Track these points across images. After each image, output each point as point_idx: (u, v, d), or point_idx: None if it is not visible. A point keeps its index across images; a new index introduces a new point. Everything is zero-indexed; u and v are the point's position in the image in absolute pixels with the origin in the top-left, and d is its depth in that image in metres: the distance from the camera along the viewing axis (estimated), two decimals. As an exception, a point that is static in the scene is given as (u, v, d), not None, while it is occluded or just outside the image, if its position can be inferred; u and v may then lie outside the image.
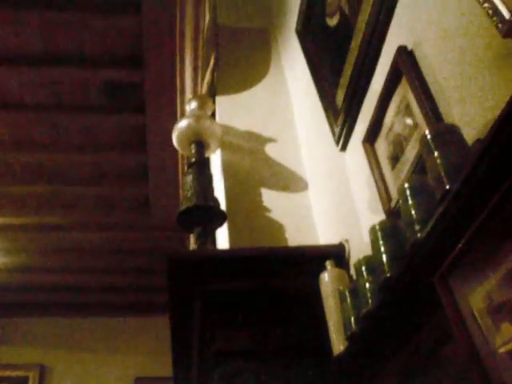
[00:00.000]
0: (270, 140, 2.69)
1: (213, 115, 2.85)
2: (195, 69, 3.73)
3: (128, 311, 7.36)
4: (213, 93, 3.01)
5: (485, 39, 1.21)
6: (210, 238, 2.30)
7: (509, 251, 0.90)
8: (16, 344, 7.18)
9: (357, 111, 2.00)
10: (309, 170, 2.60)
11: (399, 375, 1.42)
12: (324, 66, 2.40)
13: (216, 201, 2.35)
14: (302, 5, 2.65)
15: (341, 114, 2.10)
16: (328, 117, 2.26)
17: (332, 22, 2.32)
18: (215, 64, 3.03)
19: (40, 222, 5.86)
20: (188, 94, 3.94)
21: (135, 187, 5.51)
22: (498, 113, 0.88)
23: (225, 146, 2.67)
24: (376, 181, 1.81)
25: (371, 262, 1.44)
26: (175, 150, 2.87)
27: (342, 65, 2.09)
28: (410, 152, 1.59)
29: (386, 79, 1.71)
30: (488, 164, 0.92)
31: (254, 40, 3.19)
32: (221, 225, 2.37)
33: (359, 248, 1.88)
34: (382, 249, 1.33)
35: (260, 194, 2.48)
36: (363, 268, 1.49)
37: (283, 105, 2.88)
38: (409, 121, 1.60)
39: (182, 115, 3.76)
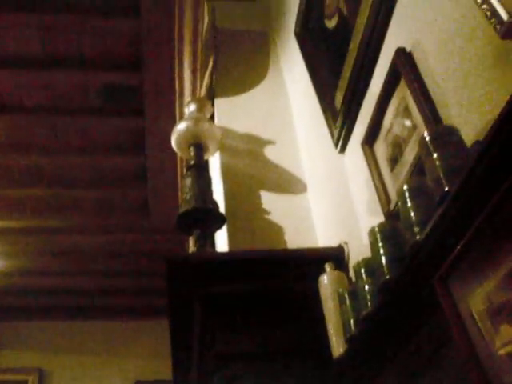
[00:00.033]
0: (269, 142, 2.69)
1: (212, 118, 2.85)
2: (194, 71, 3.73)
3: (127, 314, 7.34)
4: (212, 95, 3.01)
5: (483, 40, 1.21)
6: (209, 240, 2.30)
7: (508, 252, 0.90)
8: (15, 348, 7.16)
9: (356, 113, 2.01)
10: (308, 173, 2.60)
11: (399, 377, 1.41)
12: (323, 67, 2.40)
13: (215, 203, 2.35)
14: (300, 7, 2.65)
15: (340, 116, 2.10)
16: (327, 119, 2.26)
17: (330, 23, 2.32)
18: (214, 66, 3.03)
19: (39, 225, 5.85)
20: (187, 97, 3.94)
21: (134, 190, 5.50)
22: (496, 114, 0.88)
23: (224, 148, 2.67)
24: (375, 183, 1.81)
25: (370, 264, 1.43)
26: (174, 153, 2.87)
27: (341, 67, 2.09)
28: (409, 154, 1.59)
29: (385, 81, 1.71)
30: (487, 165, 0.92)
31: (253, 42, 3.19)
32: (220, 227, 2.36)
33: (358, 250, 1.88)
34: (382, 251, 1.33)
35: (259, 197, 2.48)
36: (362, 270, 1.49)
37: (282, 107, 2.88)
38: (408, 122, 1.60)
39: (181, 118, 3.75)
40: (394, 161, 1.70)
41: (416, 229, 1.16)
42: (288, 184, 2.57)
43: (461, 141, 1.13)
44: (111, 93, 4.54)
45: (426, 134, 1.15)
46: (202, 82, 3.37)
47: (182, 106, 4.09)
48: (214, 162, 2.88)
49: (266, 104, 2.88)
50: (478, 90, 1.24)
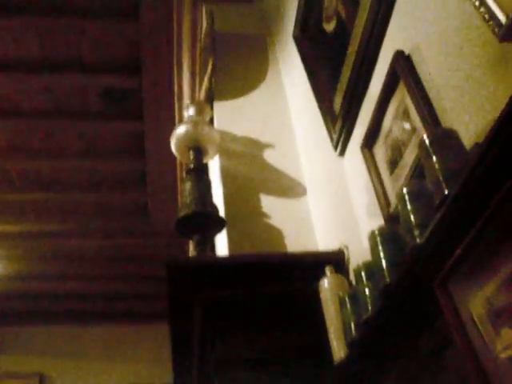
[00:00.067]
0: (269, 145, 2.69)
1: (211, 121, 2.85)
2: (193, 75, 3.73)
3: (128, 319, 7.33)
4: (211, 99, 3.01)
5: (482, 43, 1.21)
6: (209, 244, 2.30)
7: (508, 256, 0.90)
8: (15, 352, 7.14)
9: (355, 116, 2.00)
10: (307, 176, 2.60)
11: (400, 381, 1.41)
12: (321, 71, 2.40)
13: (215, 207, 2.35)
14: (298, 10, 2.65)
15: (339, 119, 2.10)
16: (326, 122, 2.26)
17: (329, 27, 2.32)
18: (213, 70, 3.03)
19: (39, 229, 5.84)
20: (186, 100, 3.94)
21: (134, 194, 5.50)
22: (496, 116, 0.88)
23: (223, 151, 2.67)
24: (375, 186, 1.81)
25: (371, 268, 1.43)
26: (173, 157, 2.87)
27: (340, 70, 2.09)
28: (409, 157, 1.59)
29: (384, 84, 1.71)
30: (486, 168, 0.92)
31: (252, 46, 3.19)
32: (220, 231, 2.36)
33: (358, 253, 1.88)
34: (382, 254, 1.32)
35: (259, 200, 2.48)
36: (363, 274, 1.49)
37: (281, 110, 2.88)
38: (407, 125, 1.60)
39: (180, 121, 3.75)
40: (393, 164, 1.70)
41: (416, 232, 1.16)
42: (288, 187, 2.57)
43: (460, 143, 1.12)
44: (110, 96, 4.54)
45: (425, 136, 1.14)
46: (201, 85, 3.37)
47: (181, 109, 4.09)
48: (214, 166, 2.87)
49: (265, 107, 2.88)
50: (476, 92, 1.24)
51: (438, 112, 1.42)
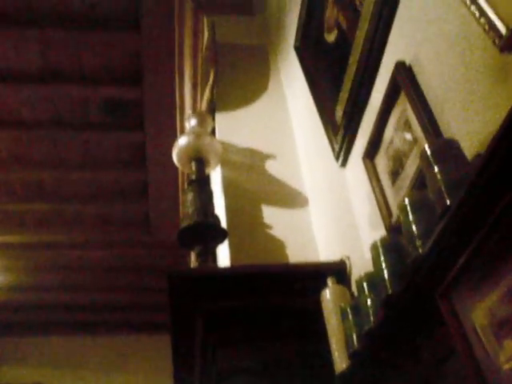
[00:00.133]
0: (270, 156, 2.69)
1: (213, 132, 2.85)
2: (194, 85, 3.74)
3: (128, 329, 7.32)
4: (212, 109, 3.02)
5: (482, 54, 1.21)
6: (210, 255, 2.29)
7: (511, 266, 0.89)
8: (15, 363, 7.13)
9: (356, 127, 2.01)
10: (309, 186, 2.60)
11: (402, 392, 1.41)
12: (323, 81, 2.40)
13: (217, 218, 2.35)
14: (299, 21, 2.66)
15: (340, 130, 2.10)
16: (327, 132, 2.27)
17: (330, 37, 2.33)
18: (214, 81, 3.03)
19: (40, 239, 5.84)
20: (187, 111, 3.94)
21: (135, 204, 5.50)
22: (497, 127, 0.88)
23: (225, 162, 2.67)
24: (376, 196, 1.80)
25: (372, 279, 1.43)
26: (175, 167, 2.87)
27: (341, 80, 2.10)
28: (410, 167, 1.59)
29: (385, 94, 1.71)
30: (488, 179, 0.91)
31: (253, 57, 3.20)
32: (221, 242, 2.36)
33: (360, 264, 1.88)
34: (384, 265, 1.32)
35: (260, 211, 2.48)
36: (365, 284, 1.48)
37: (283, 121, 2.89)
38: (408, 136, 1.60)
39: (182, 132, 3.76)
40: (395, 174, 1.70)
41: (418, 242, 1.16)
42: (289, 198, 2.57)
43: (461, 154, 1.12)
44: (112, 107, 4.56)
45: (426, 147, 1.14)
46: (202, 96, 3.38)
47: (182, 120, 4.10)
48: (216, 177, 2.88)
49: (266, 118, 2.89)
50: (477, 102, 1.24)
51: (440, 122, 1.42)
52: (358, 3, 1.95)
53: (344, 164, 2.15)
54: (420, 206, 1.20)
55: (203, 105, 3.28)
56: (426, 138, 1.43)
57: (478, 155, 1.15)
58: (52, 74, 4.24)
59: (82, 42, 4.05)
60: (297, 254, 2.33)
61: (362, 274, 1.51)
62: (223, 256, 2.50)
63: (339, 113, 2.14)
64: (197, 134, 2.62)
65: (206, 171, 2.58)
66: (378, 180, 1.82)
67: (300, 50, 2.70)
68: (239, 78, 3.07)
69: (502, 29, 1.10)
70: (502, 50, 1.12)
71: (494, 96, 1.18)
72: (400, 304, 1.25)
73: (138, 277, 6.43)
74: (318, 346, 1.75)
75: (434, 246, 1.08)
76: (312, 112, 2.47)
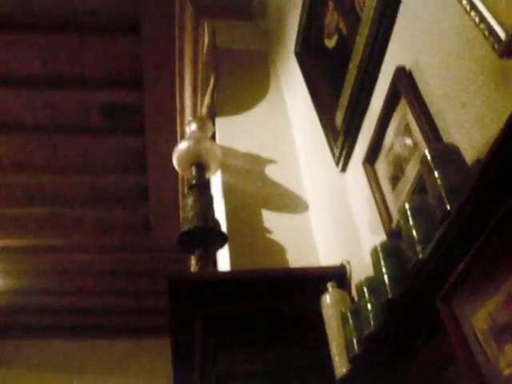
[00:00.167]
0: (270, 161, 2.69)
1: (213, 137, 2.85)
2: (195, 90, 3.75)
3: (128, 333, 7.31)
4: (213, 114, 3.02)
5: (482, 59, 1.22)
6: (211, 259, 2.30)
7: (511, 271, 0.90)
8: (15, 367, 7.12)
9: (356, 132, 2.01)
10: (309, 191, 2.60)
11: (402, 397, 1.40)
12: (323, 87, 2.41)
13: (217, 222, 2.35)
14: (300, 26, 2.67)
15: (340, 135, 2.11)
16: (328, 137, 2.27)
17: (330, 43, 2.34)
18: (215, 86, 3.04)
19: (40, 243, 5.85)
20: (188, 116, 3.95)
21: (135, 209, 5.51)
22: (497, 132, 0.88)
23: (225, 167, 2.68)
24: (377, 201, 1.81)
25: (373, 283, 1.43)
26: (175, 172, 2.87)
27: (341, 86, 2.10)
28: (411, 172, 1.59)
29: (385, 100, 1.72)
30: (488, 184, 0.92)
31: (253, 62, 3.21)
32: (222, 246, 2.36)
33: (360, 269, 1.88)
34: (384, 270, 1.32)
35: (260, 216, 2.48)
36: (365, 289, 1.48)
37: (283, 126, 2.89)
38: (408, 141, 1.60)
39: (182, 137, 3.76)
40: (395, 179, 1.70)
41: (418, 247, 1.16)
42: (289, 203, 2.57)
43: (462, 159, 1.13)
44: (112, 112, 4.56)
45: (426, 152, 1.15)
46: (202, 101, 3.38)
47: (182, 124, 4.10)
48: (216, 181, 2.88)
49: (266, 123, 2.89)
50: (477, 107, 1.24)
51: (440, 127, 1.42)
52: (358, 9, 1.95)
53: (344, 169, 2.15)
54: (420, 211, 1.20)
55: (203, 110, 3.28)
56: (426, 143, 1.43)
57: (478, 160, 1.15)
58: (52, 79, 4.25)
59: (83, 48, 4.06)
60: (297, 258, 2.33)
61: (362, 278, 1.51)
62: (223, 260, 2.50)
63: (339, 118, 2.14)
64: (197, 139, 2.62)
65: (206, 176, 2.59)
66: (379, 185, 1.82)
67: (300, 55, 2.70)
68: (239, 83, 3.07)
69: (502, 34, 1.11)
70: (501, 55, 1.12)
71: (493, 101, 1.18)
72: (400, 308, 1.25)
73: (138, 281, 6.43)
74: (318, 350, 1.75)
75: (434, 250, 1.08)
76: (312, 117, 2.48)
